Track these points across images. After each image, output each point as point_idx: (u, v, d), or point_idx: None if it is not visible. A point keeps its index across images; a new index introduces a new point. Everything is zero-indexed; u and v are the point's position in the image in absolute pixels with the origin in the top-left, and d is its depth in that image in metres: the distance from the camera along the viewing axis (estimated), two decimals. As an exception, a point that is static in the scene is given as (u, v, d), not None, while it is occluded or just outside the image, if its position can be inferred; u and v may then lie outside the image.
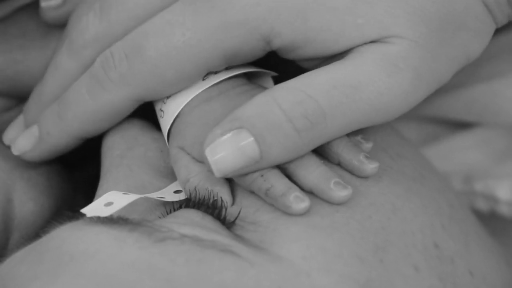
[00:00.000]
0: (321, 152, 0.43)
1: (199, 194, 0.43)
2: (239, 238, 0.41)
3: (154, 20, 0.44)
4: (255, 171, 0.41)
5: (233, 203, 0.43)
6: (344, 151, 0.42)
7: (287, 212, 0.40)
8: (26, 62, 0.57)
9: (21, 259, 0.41)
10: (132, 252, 0.39)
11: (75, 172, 0.63)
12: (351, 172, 0.43)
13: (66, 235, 0.41)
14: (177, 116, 0.45)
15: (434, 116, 0.62)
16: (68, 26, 0.49)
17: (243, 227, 0.42)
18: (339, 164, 0.43)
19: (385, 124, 0.47)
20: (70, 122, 0.46)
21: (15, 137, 0.50)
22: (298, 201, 0.40)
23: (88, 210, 0.43)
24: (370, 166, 0.42)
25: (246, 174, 0.42)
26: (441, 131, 0.63)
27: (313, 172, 0.41)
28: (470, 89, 0.60)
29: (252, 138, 0.40)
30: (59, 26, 0.53)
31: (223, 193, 0.43)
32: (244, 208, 0.42)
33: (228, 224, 0.42)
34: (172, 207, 0.44)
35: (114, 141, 0.50)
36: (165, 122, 0.46)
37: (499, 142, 0.61)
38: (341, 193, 0.40)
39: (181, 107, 0.45)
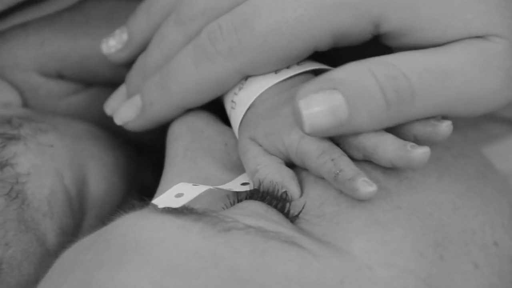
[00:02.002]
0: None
1: (266, 185, 0.44)
2: (303, 230, 0.41)
3: None
4: (338, 134, 0.41)
5: (301, 195, 0.43)
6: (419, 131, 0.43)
7: (354, 196, 0.41)
8: (91, 49, 0.59)
9: (87, 246, 0.42)
10: (197, 241, 0.39)
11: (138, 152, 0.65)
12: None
13: (132, 223, 0.42)
14: (248, 108, 0.46)
15: (494, 115, 0.62)
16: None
17: (307, 220, 0.42)
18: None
19: None
20: (174, 92, 0.47)
21: (117, 107, 0.51)
22: (366, 185, 0.40)
23: (159, 201, 0.44)
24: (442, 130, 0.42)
25: (318, 157, 0.42)
26: (501, 130, 0.63)
27: (391, 145, 0.41)
28: None
29: (344, 100, 0.40)
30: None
31: (292, 185, 0.43)
32: (309, 201, 0.43)
33: (292, 217, 0.42)
34: (236, 198, 0.44)
35: (180, 132, 0.50)
36: (237, 113, 0.47)
37: None
38: (419, 151, 0.40)
39: (253, 99, 0.45)
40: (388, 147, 0.41)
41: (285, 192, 0.43)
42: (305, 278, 0.39)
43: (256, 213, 0.42)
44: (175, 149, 0.50)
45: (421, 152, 0.40)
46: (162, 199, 0.44)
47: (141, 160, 0.65)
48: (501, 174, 0.51)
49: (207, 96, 0.47)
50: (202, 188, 0.45)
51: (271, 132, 0.45)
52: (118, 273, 0.39)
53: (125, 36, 0.52)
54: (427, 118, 0.42)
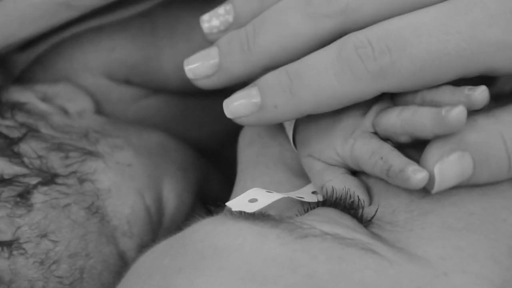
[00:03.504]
0: None
1: (336, 193, 0.43)
2: (377, 236, 0.41)
3: (421, 16, 0.42)
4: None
5: (370, 204, 0.43)
6: None
7: (408, 187, 0.40)
8: (158, 60, 0.60)
9: (164, 251, 0.42)
10: (275, 248, 0.39)
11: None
12: None
13: (209, 228, 0.42)
14: (296, 125, 0.46)
15: None
16: None
17: (380, 226, 0.42)
18: None
19: None
20: (306, 101, 0.43)
21: (203, 75, 0.47)
22: (416, 172, 0.40)
23: (233, 204, 0.43)
24: None
25: (369, 159, 0.42)
26: None
27: (427, 116, 0.42)
28: None
29: (472, 164, 0.40)
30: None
31: (360, 193, 0.43)
32: (381, 208, 0.43)
33: (365, 222, 0.42)
34: (309, 205, 0.44)
35: (252, 139, 0.50)
36: (288, 130, 0.47)
37: None
38: (453, 113, 0.40)
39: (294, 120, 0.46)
40: (425, 120, 0.41)
41: (357, 197, 0.42)
42: (382, 285, 0.39)
43: (331, 219, 0.42)
44: (248, 156, 0.50)
45: (456, 113, 0.39)
46: (236, 203, 0.44)
47: (208, 168, 0.66)
48: None
49: (339, 107, 0.44)
50: (276, 196, 0.44)
51: (324, 147, 0.45)
52: (196, 279, 0.39)
53: (230, 18, 0.48)
54: (461, 87, 0.42)
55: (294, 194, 0.45)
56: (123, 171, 0.57)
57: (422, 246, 0.40)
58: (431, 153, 0.40)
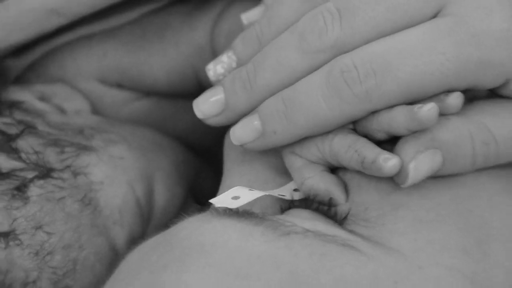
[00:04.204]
0: None
1: (315, 193, 0.45)
2: (353, 233, 0.42)
3: (405, 38, 0.43)
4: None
5: (347, 200, 0.44)
6: None
7: (381, 175, 0.42)
8: (147, 64, 0.62)
9: (152, 247, 0.43)
10: (259, 245, 0.40)
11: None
12: None
13: (195, 226, 0.42)
14: None
15: None
16: (281, 14, 0.47)
17: (355, 223, 0.43)
18: None
19: None
20: (300, 125, 0.45)
21: (213, 114, 0.48)
22: (387, 161, 0.41)
23: (216, 201, 0.44)
24: None
25: (346, 152, 0.43)
26: None
27: (401, 112, 0.43)
28: None
29: (442, 161, 0.42)
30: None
31: (337, 191, 0.44)
32: (355, 206, 0.44)
33: (340, 220, 0.43)
34: (291, 203, 0.45)
35: None
36: None
37: None
38: (425, 109, 0.41)
39: None
40: (399, 116, 0.42)
41: (331, 198, 0.44)
42: (361, 280, 0.39)
43: (311, 217, 0.43)
44: (233, 155, 0.50)
45: (428, 109, 0.40)
46: (218, 200, 0.45)
47: (200, 165, 0.67)
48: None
49: (331, 128, 0.45)
50: (257, 194, 0.45)
51: (306, 144, 0.46)
52: (182, 274, 0.40)
53: (233, 64, 0.49)
54: (437, 95, 0.43)
55: (276, 192, 0.46)
56: (116, 164, 0.58)
57: (396, 240, 0.41)
58: (405, 149, 0.42)
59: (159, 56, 0.61)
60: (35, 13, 0.57)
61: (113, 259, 0.56)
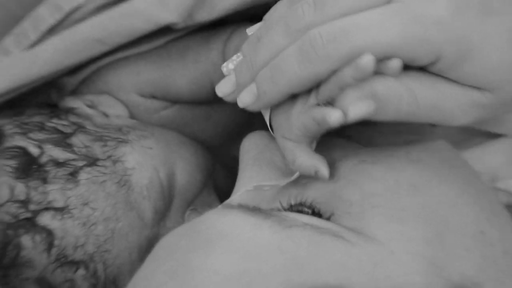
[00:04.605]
0: None
1: (303, 170, 0.47)
2: (340, 225, 0.44)
3: (362, 16, 0.45)
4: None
5: (331, 178, 0.47)
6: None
7: (329, 125, 0.44)
8: (173, 77, 0.65)
9: (182, 234, 0.46)
10: (267, 235, 0.43)
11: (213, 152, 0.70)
12: None
13: (216, 218, 0.45)
14: (271, 114, 0.51)
15: (471, 127, 0.65)
16: (276, 12, 0.50)
17: (340, 216, 0.45)
18: None
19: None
20: (282, 84, 0.47)
21: (229, 92, 0.52)
22: (331, 115, 0.44)
23: (234, 200, 0.48)
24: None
25: (309, 122, 0.46)
26: (476, 138, 0.66)
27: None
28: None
29: (375, 109, 0.44)
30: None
31: (322, 166, 0.47)
32: (341, 202, 0.46)
33: (327, 217, 0.46)
34: (287, 201, 0.48)
35: (250, 146, 0.55)
36: (266, 119, 0.52)
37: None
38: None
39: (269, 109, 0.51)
40: (347, 69, 0.44)
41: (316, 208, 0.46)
42: (348, 263, 0.41)
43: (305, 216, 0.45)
44: (246, 159, 0.53)
45: (366, 59, 0.43)
46: (235, 198, 0.49)
47: (215, 163, 0.70)
48: (478, 174, 0.53)
49: (307, 87, 0.47)
50: (264, 187, 0.49)
51: (290, 128, 0.48)
52: (207, 257, 0.42)
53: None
54: (383, 60, 0.45)
55: (281, 182, 0.50)
56: (145, 152, 0.62)
57: (374, 231, 0.44)
58: (347, 95, 0.44)
59: (181, 71, 0.64)
60: (85, 42, 0.61)
61: (142, 228, 0.60)
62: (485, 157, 0.64)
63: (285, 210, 0.47)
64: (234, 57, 0.53)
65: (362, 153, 0.50)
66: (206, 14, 0.62)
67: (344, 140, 0.55)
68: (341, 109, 0.45)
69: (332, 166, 0.49)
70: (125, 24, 0.61)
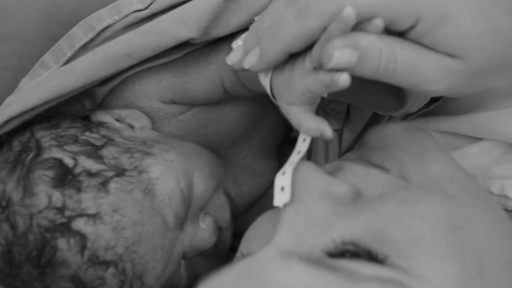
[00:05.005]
0: None
1: (309, 132, 0.49)
2: (397, 268, 0.46)
3: None
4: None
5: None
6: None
7: (338, 85, 0.46)
8: (190, 82, 0.68)
9: (238, 279, 0.46)
10: None
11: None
12: None
13: (276, 269, 0.46)
14: (271, 82, 0.52)
15: (454, 132, 0.70)
16: None
17: (393, 258, 0.46)
18: None
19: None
20: (281, 40, 0.49)
21: (237, 60, 0.54)
22: (340, 76, 0.46)
23: (276, 201, 0.50)
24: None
25: (313, 84, 0.48)
26: (459, 142, 0.70)
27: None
28: (478, 115, 0.68)
29: (357, 59, 0.46)
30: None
31: (326, 127, 0.49)
32: (392, 246, 0.47)
33: (380, 261, 0.47)
34: (340, 238, 0.48)
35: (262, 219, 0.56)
36: (266, 87, 0.53)
37: (496, 151, 0.68)
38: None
39: (270, 75, 0.53)
40: (332, 24, 0.46)
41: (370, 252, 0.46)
42: None
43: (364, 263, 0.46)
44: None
45: (348, 10, 0.45)
46: (277, 199, 0.49)
47: (224, 170, 0.72)
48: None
49: (304, 44, 0.49)
50: (289, 172, 0.50)
51: (293, 93, 0.50)
52: None
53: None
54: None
55: (296, 158, 0.51)
56: (167, 165, 0.65)
57: (424, 270, 0.45)
58: (333, 43, 0.46)
59: (197, 76, 0.67)
60: (115, 56, 0.64)
61: (165, 231, 0.62)
62: (468, 159, 0.67)
63: (339, 249, 0.48)
64: (243, 35, 0.55)
65: (401, 191, 0.51)
66: (221, 30, 0.64)
67: (378, 171, 0.55)
68: (327, 56, 0.46)
69: (373, 198, 0.50)
70: (151, 40, 0.63)
